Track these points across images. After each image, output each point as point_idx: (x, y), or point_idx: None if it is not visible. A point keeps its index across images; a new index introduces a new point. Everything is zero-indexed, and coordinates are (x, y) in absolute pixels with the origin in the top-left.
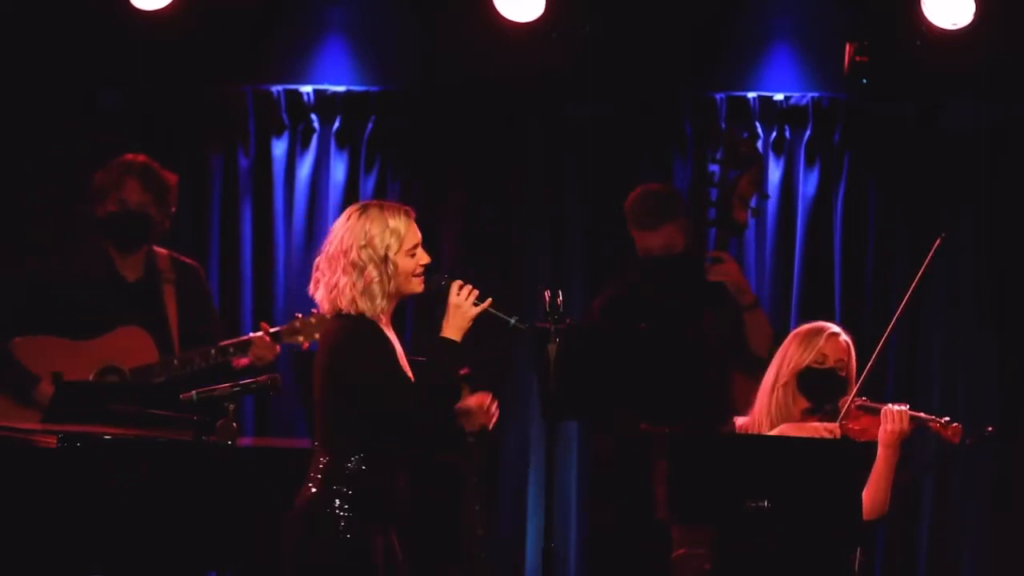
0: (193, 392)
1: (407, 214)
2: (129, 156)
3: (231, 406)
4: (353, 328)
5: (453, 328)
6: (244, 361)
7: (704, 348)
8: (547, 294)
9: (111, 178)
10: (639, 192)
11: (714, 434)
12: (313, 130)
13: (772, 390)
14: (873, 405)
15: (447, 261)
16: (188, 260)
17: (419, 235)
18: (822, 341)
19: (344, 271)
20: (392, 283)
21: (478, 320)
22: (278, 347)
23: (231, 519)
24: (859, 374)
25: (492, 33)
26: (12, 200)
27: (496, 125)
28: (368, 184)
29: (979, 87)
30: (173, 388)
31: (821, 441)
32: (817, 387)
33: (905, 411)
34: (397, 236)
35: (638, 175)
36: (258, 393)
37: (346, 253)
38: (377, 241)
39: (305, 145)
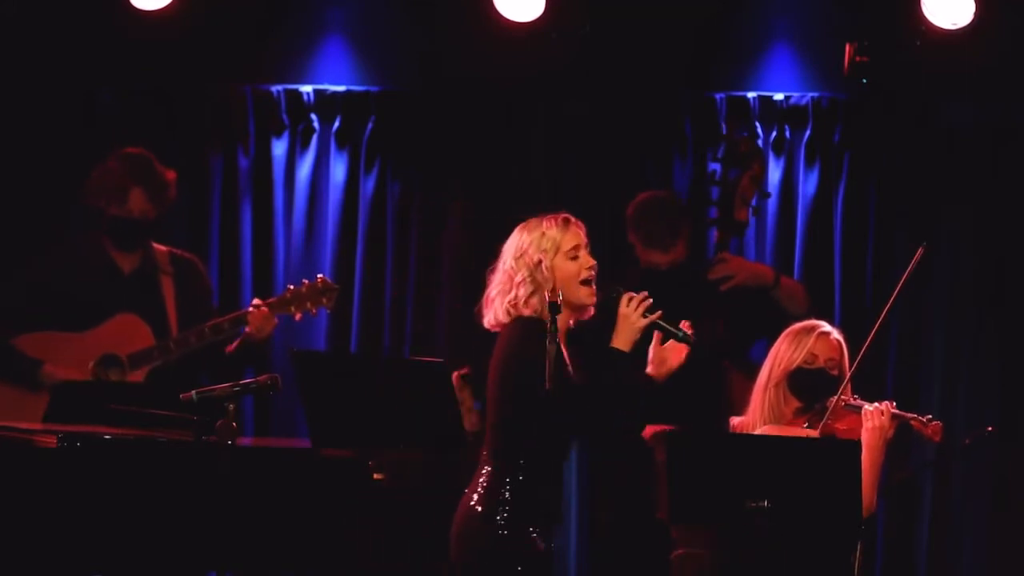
0: (193, 392)
1: (564, 220)
2: (131, 152)
3: (231, 406)
4: (518, 330)
5: (622, 339)
6: (235, 345)
7: (702, 349)
8: (547, 294)
9: (115, 181)
10: (647, 207)
11: (714, 434)
12: (313, 130)
13: (764, 390)
14: (858, 404)
15: (447, 260)
16: (188, 255)
17: (580, 239)
18: (812, 340)
19: (500, 284)
20: (548, 287)
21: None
22: (275, 319)
23: (231, 519)
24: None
25: (492, 33)
26: (12, 200)
27: (496, 125)
28: (368, 184)
29: (979, 87)
30: (173, 388)
31: (820, 441)
32: (807, 387)
33: (885, 409)
34: (553, 241)
35: (638, 175)
36: (258, 393)
37: (503, 266)
38: (532, 249)
39: (305, 145)
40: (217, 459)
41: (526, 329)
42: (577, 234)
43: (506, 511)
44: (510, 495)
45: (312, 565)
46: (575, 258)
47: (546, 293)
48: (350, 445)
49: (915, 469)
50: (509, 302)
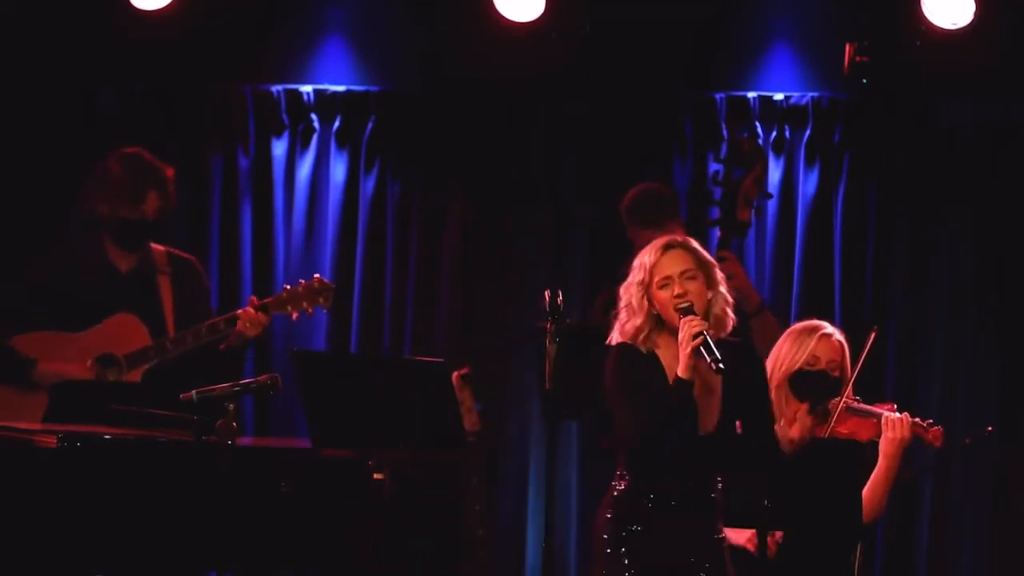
0: (193, 392)
1: (664, 247)
2: (135, 153)
3: (231, 406)
4: (611, 356)
5: (679, 364)
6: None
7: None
8: (547, 294)
9: (129, 185)
10: (642, 191)
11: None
12: (313, 130)
13: None
14: (862, 408)
15: (447, 260)
16: (186, 255)
17: (674, 267)
18: (814, 342)
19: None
20: (647, 314)
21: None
22: (265, 319)
23: (231, 519)
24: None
25: (492, 33)
26: (12, 200)
27: (496, 125)
28: (368, 184)
29: (979, 87)
30: (173, 388)
31: (820, 440)
32: (809, 389)
33: (907, 418)
34: (647, 271)
35: (638, 175)
36: (258, 393)
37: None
38: (632, 276)
39: (305, 145)
40: (217, 459)
41: (613, 358)
42: (675, 260)
43: (611, 523)
44: (614, 507)
45: (312, 565)
46: (664, 287)
47: (546, 293)
48: (350, 445)
49: (916, 472)
50: (620, 325)
